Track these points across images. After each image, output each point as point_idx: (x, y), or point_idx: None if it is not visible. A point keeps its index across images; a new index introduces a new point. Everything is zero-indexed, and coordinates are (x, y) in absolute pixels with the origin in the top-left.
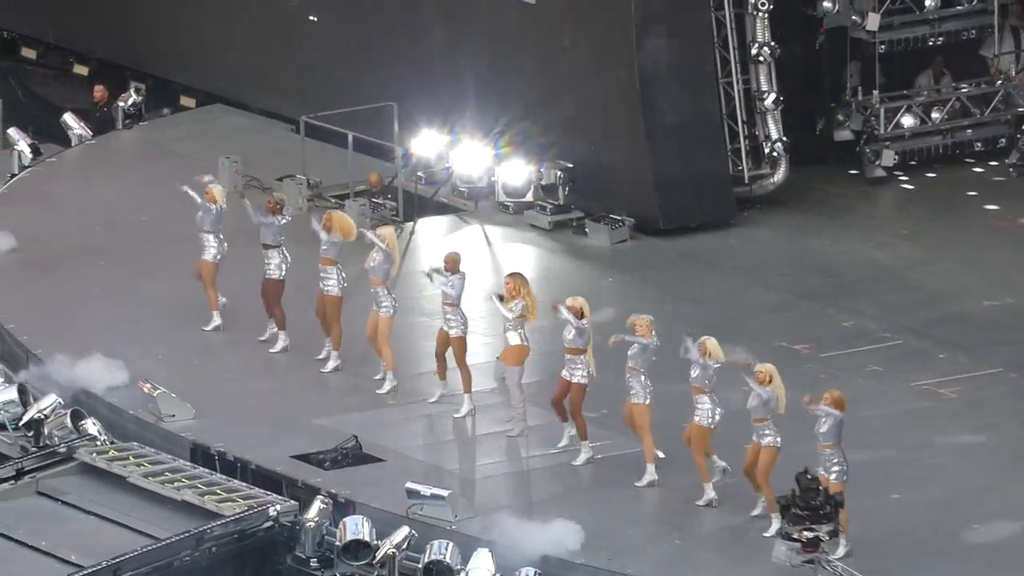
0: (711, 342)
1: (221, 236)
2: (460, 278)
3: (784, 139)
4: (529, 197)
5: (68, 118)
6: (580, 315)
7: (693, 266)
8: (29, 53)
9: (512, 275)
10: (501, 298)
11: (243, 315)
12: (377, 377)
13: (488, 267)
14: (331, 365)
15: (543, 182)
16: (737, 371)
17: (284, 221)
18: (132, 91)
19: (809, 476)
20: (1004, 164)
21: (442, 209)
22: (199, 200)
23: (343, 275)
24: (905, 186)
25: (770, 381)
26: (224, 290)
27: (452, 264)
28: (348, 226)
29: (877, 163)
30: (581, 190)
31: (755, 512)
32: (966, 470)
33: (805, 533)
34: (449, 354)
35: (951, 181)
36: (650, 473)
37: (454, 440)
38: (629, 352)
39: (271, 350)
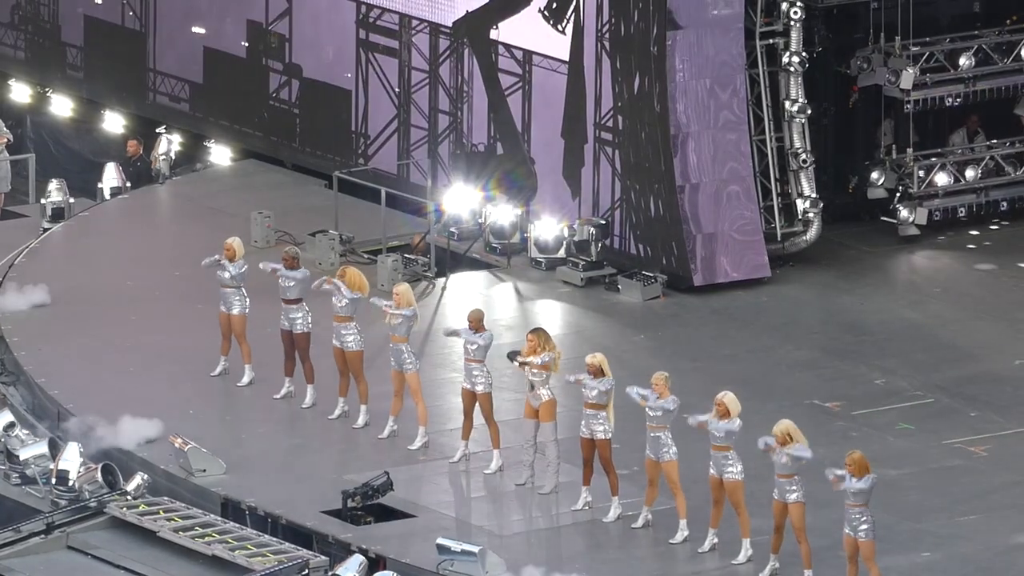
0: (730, 397)
1: (244, 291)
2: (485, 336)
3: (817, 197)
4: (561, 253)
5: (111, 168)
6: (600, 372)
7: (725, 323)
8: (62, 107)
9: (535, 331)
10: (516, 354)
11: (273, 370)
12: (358, 425)
13: (520, 324)
14: (362, 420)
15: (576, 238)
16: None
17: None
18: (164, 139)
19: None
20: None
21: (474, 265)
22: (219, 260)
23: (359, 329)
24: (938, 244)
25: (790, 439)
26: (253, 343)
27: (476, 322)
28: (362, 282)
29: (910, 221)
30: (614, 246)
31: (764, 574)
32: (997, 529)
33: None
34: (477, 412)
35: (983, 239)
36: (683, 529)
37: (485, 496)
38: (650, 412)
39: (302, 406)
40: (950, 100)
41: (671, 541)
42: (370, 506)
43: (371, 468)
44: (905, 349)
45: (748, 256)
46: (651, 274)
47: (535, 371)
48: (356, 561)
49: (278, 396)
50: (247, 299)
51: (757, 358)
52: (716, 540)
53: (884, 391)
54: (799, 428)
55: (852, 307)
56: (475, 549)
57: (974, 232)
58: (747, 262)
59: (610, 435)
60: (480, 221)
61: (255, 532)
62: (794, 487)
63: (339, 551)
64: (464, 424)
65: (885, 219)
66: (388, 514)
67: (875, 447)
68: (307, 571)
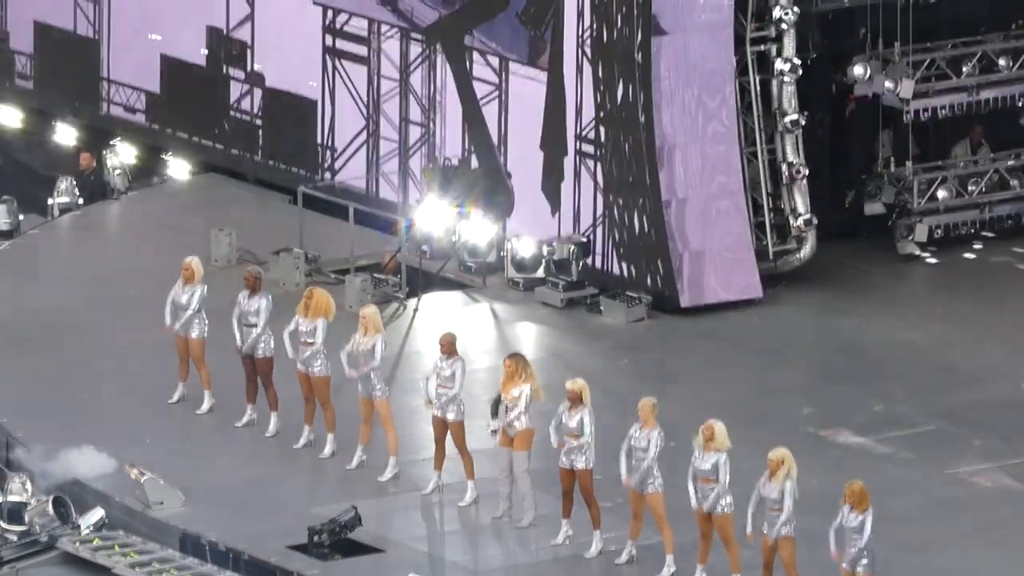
0: (719, 427)
1: (204, 313)
2: (457, 362)
3: (811, 213)
4: (540, 273)
5: (63, 183)
6: (580, 400)
7: (714, 346)
8: (10, 118)
9: (512, 356)
10: (498, 403)
11: (235, 397)
12: (352, 465)
13: (496, 348)
14: (328, 450)
15: (555, 257)
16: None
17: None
18: (111, 151)
19: None
20: None
21: (448, 285)
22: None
23: (326, 353)
24: (939, 263)
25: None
26: (212, 368)
27: (448, 347)
28: (327, 306)
29: (910, 238)
30: (596, 265)
31: None
32: (1005, 564)
33: None
34: (449, 441)
35: (987, 257)
36: (670, 564)
37: (459, 529)
38: (635, 443)
39: (266, 434)
40: (952, 110)
41: (617, 561)
42: (337, 542)
43: (339, 500)
44: (904, 373)
45: (738, 275)
46: (635, 295)
47: (512, 402)
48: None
49: (240, 424)
50: (206, 322)
51: (748, 383)
52: None
53: (883, 418)
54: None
55: (849, 329)
56: None
57: (977, 248)
58: (737, 282)
59: (591, 465)
60: (454, 239)
61: (216, 568)
62: (784, 518)
63: None
64: (436, 453)
65: (884, 248)
66: (356, 549)
67: (874, 477)
68: None
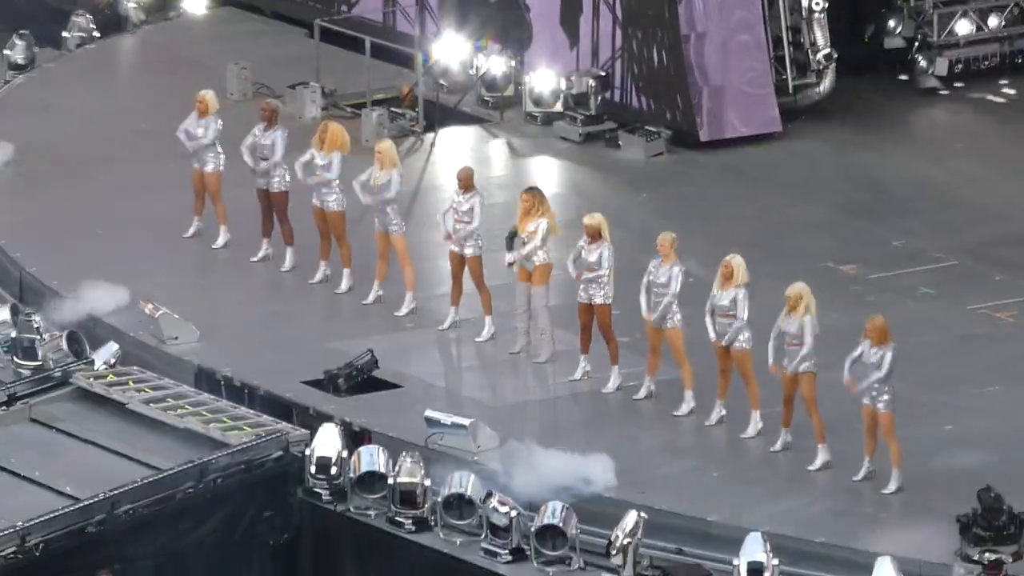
0: (738, 261)
1: (219, 147)
2: (475, 196)
3: (830, 47)
4: (559, 108)
5: (79, 16)
6: (598, 235)
7: (733, 181)
8: None
9: (529, 190)
10: (513, 236)
11: (250, 233)
12: (367, 301)
13: (513, 182)
14: (345, 285)
15: (574, 91)
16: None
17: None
18: None
19: (992, 494)
20: None
21: (465, 119)
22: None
23: (341, 188)
24: (960, 97)
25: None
26: (228, 203)
27: (465, 181)
28: (343, 140)
29: (930, 72)
30: (614, 99)
31: (776, 448)
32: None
33: (987, 555)
34: (467, 276)
35: (1009, 91)
36: (688, 400)
37: (476, 366)
38: (654, 279)
39: (281, 269)
40: None
41: (675, 413)
42: (353, 384)
43: (355, 336)
44: (926, 208)
45: (758, 110)
46: (654, 129)
47: (529, 236)
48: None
49: (255, 259)
50: (221, 156)
51: (768, 218)
52: (724, 412)
53: (904, 253)
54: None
55: (869, 164)
56: (466, 422)
57: (1001, 82)
58: (757, 116)
59: (610, 300)
60: (471, 72)
61: (230, 404)
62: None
63: (321, 423)
64: (453, 289)
65: (903, 81)
66: (373, 385)
67: (894, 312)
68: (287, 445)
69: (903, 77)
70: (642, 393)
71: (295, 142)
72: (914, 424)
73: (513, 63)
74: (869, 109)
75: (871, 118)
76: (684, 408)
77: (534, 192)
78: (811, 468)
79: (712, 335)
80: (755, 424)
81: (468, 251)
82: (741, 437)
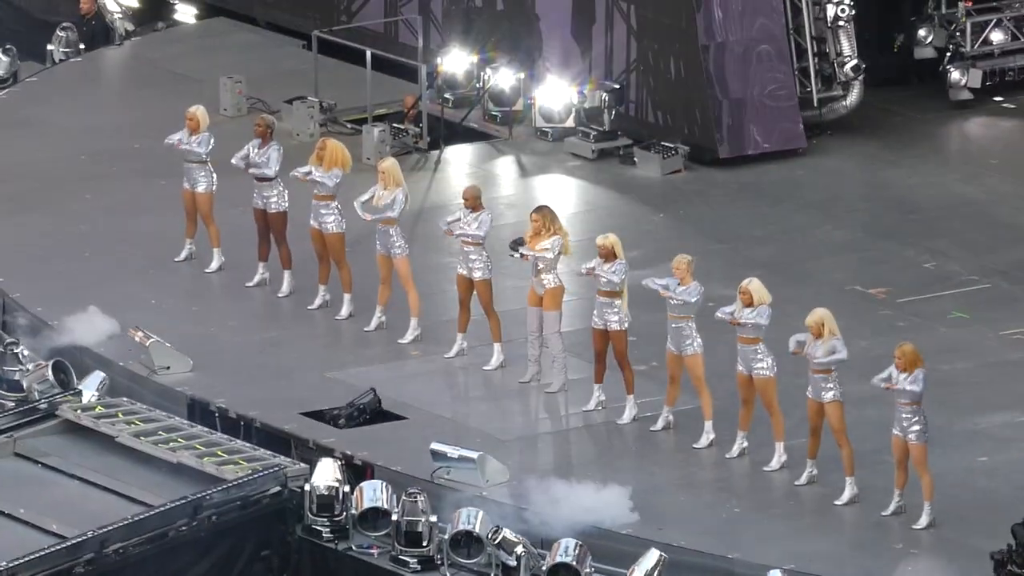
0: (755, 285)
1: (211, 166)
2: (484, 215)
3: (858, 57)
4: (570, 123)
5: (66, 33)
6: (612, 255)
7: (755, 200)
8: None
9: (539, 210)
10: (519, 243)
11: (246, 256)
12: (367, 328)
13: (522, 202)
14: (345, 311)
15: (587, 105)
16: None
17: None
18: None
19: None
20: None
21: (472, 136)
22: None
23: (340, 209)
24: (994, 109)
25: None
26: (221, 225)
27: (472, 200)
28: (343, 158)
29: (963, 84)
30: (629, 114)
31: (801, 481)
32: None
33: None
34: (475, 301)
35: None
36: (708, 431)
37: (484, 396)
38: (672, 301)
39: (278, 294)
40: None
41: (695, 445)
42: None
43: (357, 364)
44: (958, 228)
45: (781, 124)
46: (671, 145)
47: (540, 254)
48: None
49: (251, 284)
50: (214, 175)
51: (791, 239)
52: (746, 444)
53: (935, 275)
54: (835, 319)
55: (898, 181)
56: (474, 455)
57: None
58: (780, 131)
59: (626, 326)
60: (478, 86)
61: (226, 437)
62: (831, 384)
63: (320, 458)
64: (460, 315)
65: (934, 94)
66: (375, 416)
67: (926, 338)
68: (285, 480)
69: (934, 89)
70: (659, 424)
71: (291, 160)
72: (946, 455)
73: (522, 75)
74: (899, 123)
75: (901, 133)
76: (704, 440)
77: (544, 212)
78: (838, 503)
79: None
80: (779, 456)
81: (476, 274)
82: (764, 470)
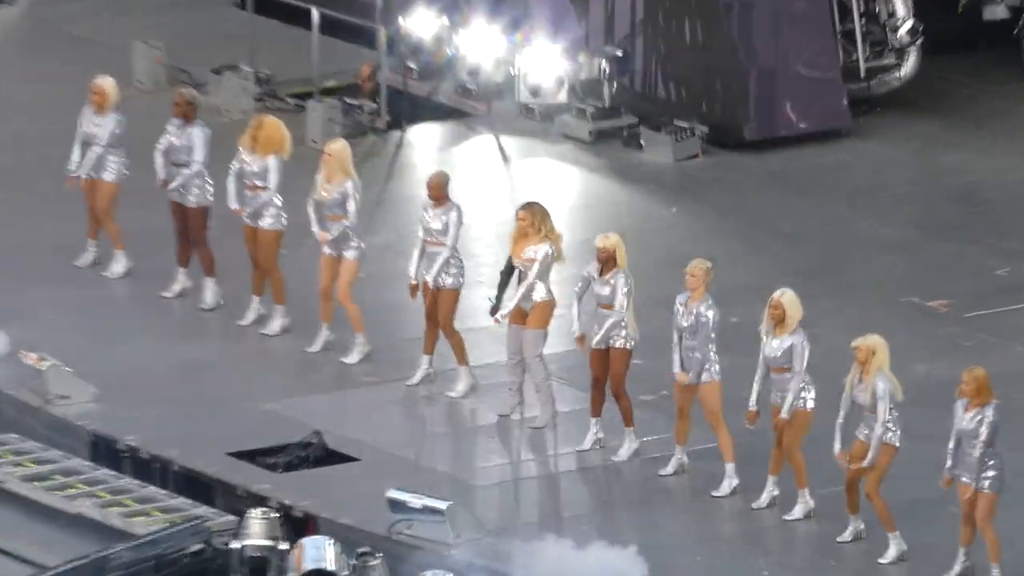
0: (789, 299)
1: (120, 151)
2: (452, 210)
3: (914, 19)
4: (562, 97)
5: None
6: (613, 260)
7: (788, 191)
8: None
9: (527, 206)
10: (509, 273)
11: (160, 259)
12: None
13: (502, 193)
14: (277, 326)
15: (582, 76)
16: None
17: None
18: None
19: None
20: None
21: (442, 113)
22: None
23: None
24: None
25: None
26: (125, 225)
27: (438, 191)
28: (283, 140)
29: None
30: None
31: (845, 537)
32: None
33: None
34: None
35: None
36: (731, 476)
37: (454, 431)
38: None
39: (200, 306)
40: None
41: (715, 493)
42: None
43: (298, 393)
44: None
45: (821, 100)
46: (687, 125)
47: (526, 265)
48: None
49: (169, 294)
50: (124, 162)
51: (832, 239)
52: (777, 492)
53: (1010, 283)
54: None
55: (963, 167)
56: (442, 505)
57: None
58: (819, 108)
59: (631, 344)
60: (451, 53)
61: (137, 483)
62: (889, 426)
63: (252, 508)
64: (427, 332)
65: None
66: (320, 457)
67: (998, 362)
68: (209, 536)
69: (1007, 56)
70: (671, 468)
71: (222, 143)
72: (1019, 505)
73: (503, 39)
74: (963, 98)
75: (966, 109)
76: (725, 487)
77: (534, 209)
78: (883, 561)
79: (753, 400)
80: (805, 504)
81: (445, 282)
82: (785, 519)
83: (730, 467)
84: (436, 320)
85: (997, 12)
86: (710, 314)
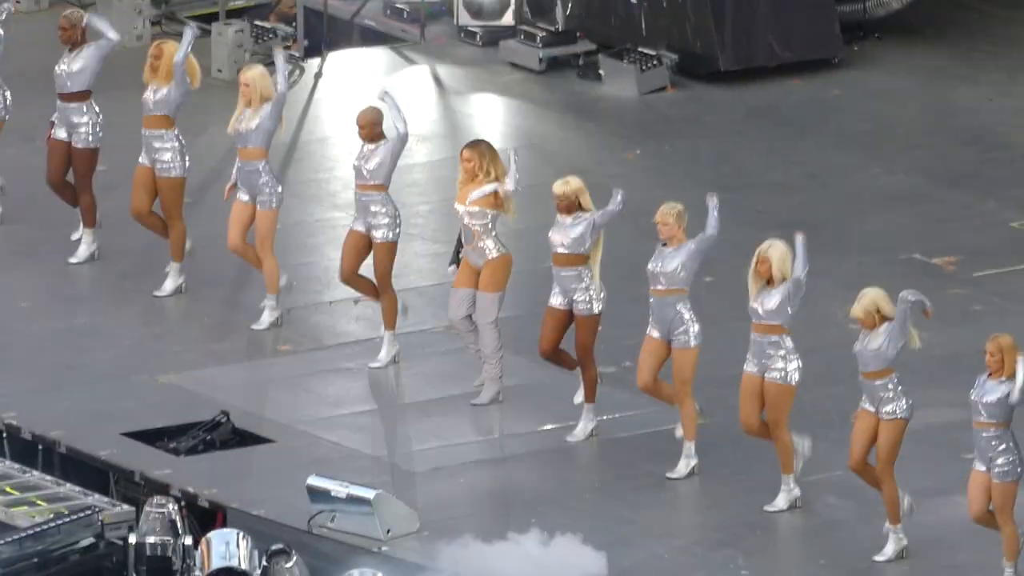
0: (777, 253)
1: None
2: (384, 149)
3: None
4: (508, 19)
5: None
6: (576, 207)
7: (772, 131)
8: None
9: (472, 146)
10: (457, 254)
11: (35, 207)
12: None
13: (442, 132)
14: (169, 286)
15: None
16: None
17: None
18: None
19: None
20: None
21: (368, 38)
22: None
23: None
24: None
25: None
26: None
27: (370, 128)
28: (190, 66)
29: None
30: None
31: (776, 505)
32: None
33: None
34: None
35: None
36: (689, 456)
37: (381, 408)
38: (656, 267)
39: (72, 260)
40: None
41: (669, 475)
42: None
43: (202, 364)
44: None
45: (807, 24)
46: (653, 52)
47: (475, 208)
48: None
49: (75, 260)
50: (6, 93)
51: (823, 187)
52: (696, 461)
53: None
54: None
55: (975, 105)
56: (369, 494)
57: None
58: (806, 34)
59: (597, 309)
60: None
61: (17, 467)
62: (890, 393)
63: (151, 497)
64: (360, 285)
65: None
66: (229, 439)
67: (1012, 328)
68: (101, 529)
69: None
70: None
71: (116, 72)
72: None
73: None
74: (976, 22)
75: (978, 36)
76: (682, 467)
77: (478, 148)
78: (879, 558)
79: (749, 365)
80: (789, 492)
81: (377, 233)
82: (767, 510)
83: (689, 446)
84: (358, 276)
85: None
86: (687, 258)
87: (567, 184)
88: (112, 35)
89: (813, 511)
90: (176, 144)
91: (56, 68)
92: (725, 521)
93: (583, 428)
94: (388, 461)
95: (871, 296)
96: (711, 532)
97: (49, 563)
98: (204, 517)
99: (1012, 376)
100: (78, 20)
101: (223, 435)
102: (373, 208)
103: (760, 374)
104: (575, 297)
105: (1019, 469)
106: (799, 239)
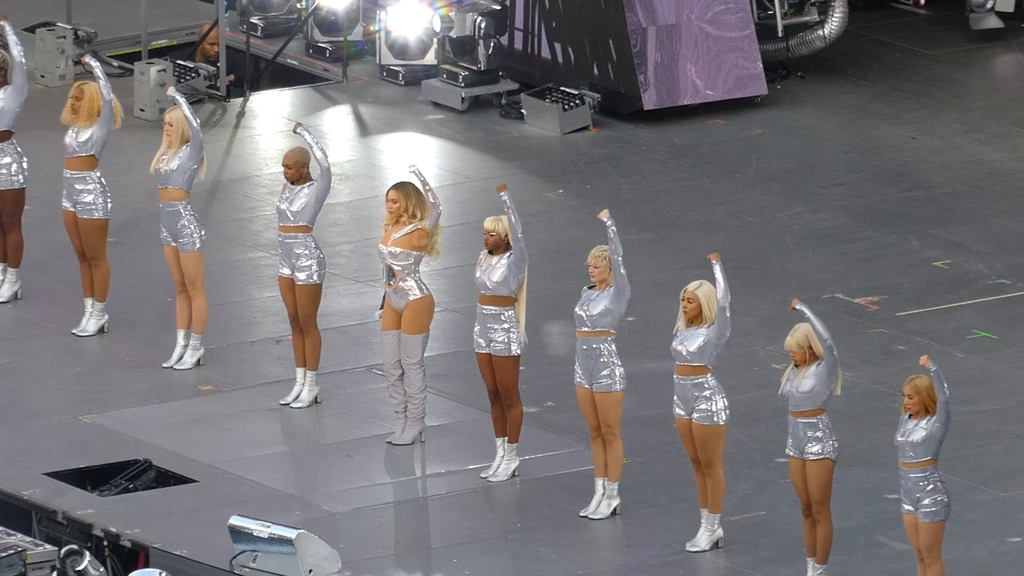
0: (705, 293)
1: None
2: (308, 187)
3: None
4: (431, 59)
5: None
6: (505, 246)
7: (695, 170)
8: None
9: (399, 187)
10: (392, 274)
11: None
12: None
13: (363, 172)
14: (92, 325)
15: (453, 34)
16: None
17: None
18: None
19: None
20: None
21: (291, 78)
22: None
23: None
24: None
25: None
26: None
27: (296, 169)
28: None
29: (989, 7)
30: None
31: (697, 545)
32: None
33: None
34: None
35: None
36: (611, 496)
37: (303, 448)
38: (582, 310)
39: None
40: None
41: (585, 513)
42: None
43: (125, 403)
44: (983, 211)
45: (731, 63)
46: (575, 92)
47: (397, 248)
48: None
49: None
50: None
51: (746, 226)
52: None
53: (950, 278)
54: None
55: (898, 144)
56: (291, 534)
57: None
58: (730, 73)
59: (517, 351)
60: (300, 7)
61: None
62: (818, 433)
63: (76, 536)
64: (295, 333)
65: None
66: (152, 479)
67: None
68: (24, 568)
69: (949, 14)
70: (598, 507)
71: (37, 112)
72: (965, 535)
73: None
74: (898, 62)
75: (901, 76)
76: (605, 507)
77: (407, 190)
78: None
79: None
80: (710, 531)
81: (301, 276)
82: (689, 549)
83: (613, 487)
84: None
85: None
86: (614, 302)
87: (499, 222)
88: (15, 51)
89: (735, 551)
90: (98, 186)
91: None
92: (647, 561)
93: (505, 468)
94: (310, 501)
95: (804, 330)
96: (633, 572)
97: None
98: (127, 557)
99: (928, 418)
100: (2, 61)
101: (146, 483)
102: (297, 250)
103: (688, 415)
104: (494, 337)
105: (946, 509)
106: (716, 263)
